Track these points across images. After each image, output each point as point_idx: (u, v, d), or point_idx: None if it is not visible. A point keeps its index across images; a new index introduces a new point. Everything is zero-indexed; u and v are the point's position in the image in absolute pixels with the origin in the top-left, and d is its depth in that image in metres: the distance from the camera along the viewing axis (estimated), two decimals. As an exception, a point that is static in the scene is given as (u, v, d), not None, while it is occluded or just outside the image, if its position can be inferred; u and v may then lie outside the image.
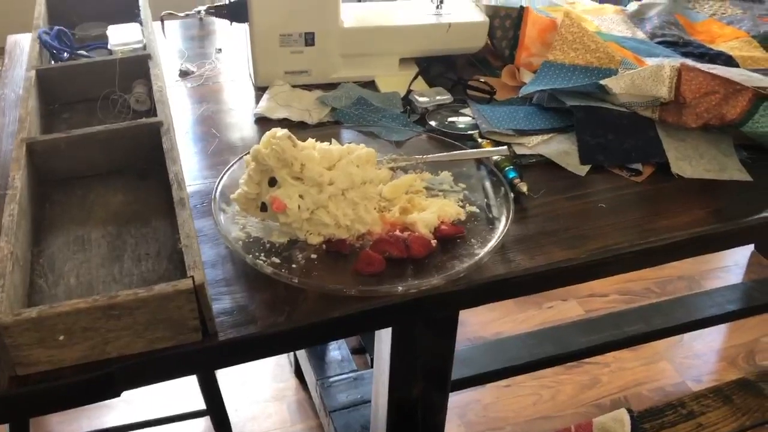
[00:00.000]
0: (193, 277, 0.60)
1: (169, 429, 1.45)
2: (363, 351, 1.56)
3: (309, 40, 1.03)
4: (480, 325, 1.78)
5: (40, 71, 0.96)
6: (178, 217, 0.68)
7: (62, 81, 0.98)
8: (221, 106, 1.03)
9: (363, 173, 0.72)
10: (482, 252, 0.70)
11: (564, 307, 1.84)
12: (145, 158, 0.85)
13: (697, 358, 1.72)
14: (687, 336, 1.75)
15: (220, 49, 1.19)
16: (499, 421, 1.55)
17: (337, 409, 1.32)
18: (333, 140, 0.77)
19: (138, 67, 0.99)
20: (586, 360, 1.65)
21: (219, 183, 0.78)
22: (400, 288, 0.66)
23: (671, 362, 1.70)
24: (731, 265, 2.03)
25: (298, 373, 1.60)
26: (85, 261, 0.71)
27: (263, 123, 0.98)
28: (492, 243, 0.72)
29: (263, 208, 0.71)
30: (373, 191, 0.73)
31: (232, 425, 1.30)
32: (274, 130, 0.71)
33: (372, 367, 1.45)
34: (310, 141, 0.74)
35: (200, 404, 1.28)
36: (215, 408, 1.26)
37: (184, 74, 1.11)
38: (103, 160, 0.84)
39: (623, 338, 1.50)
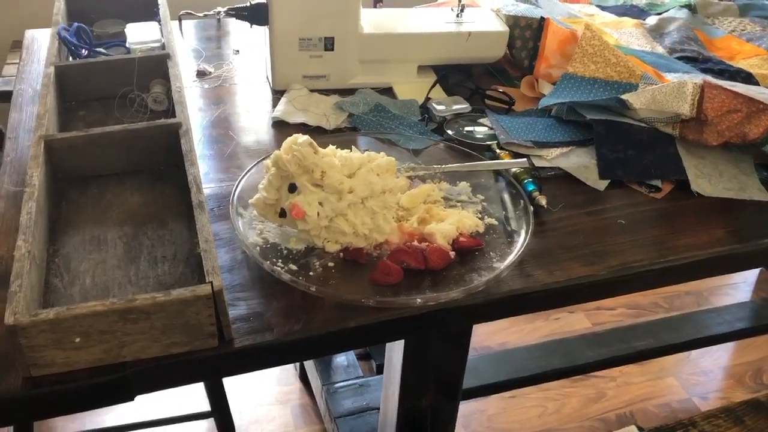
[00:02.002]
0: (212, 282, 0.60)
1: (172, 429, 1.45)
2: (368, 357, 1.56)
3: (328, 44, 1.03)
4: (486, 335, 1.77)
5: (59, 68, 0.95)
6: (197, 221, 0.67)
7: (80, 78, 0.97)
8: (238, 109, 1.03)
9: (383, 182, 0.72)
10: (501, 266, 0.70)
11: (571, 319, 1.83)
12: (163, 159, 0.84)
13: (703, 375, 1.71)
14: (694, 352, 1.74)
15: (237, 51, 1.19)
16: (504, 432, 1.54)
17: (343, 415, 1.31)
18: (353, 148, 0.77)
19: (156, 66, 0.99)
20: (593, 373, 1.65)
21: (237, 187, 0.77)
22: (418, 300, 0.65)
23: (678, 378, 1.69)
24: (740, 282, 2.02)
25: (303, 377, 1.60)
26: (101, 261, 0.71)
27: (280, 127, 0.98)
28: (511, 257, 0.71)
29: (282, 214, 0.71)
30: (392, 200, 0.73)
31: (235, 428, 1.29)
32: (295, 136, 0.71)
33: (378, 373, 1.45)
34: (331, 148, 0.73)
35: (205, 405, 1.28)
36: (220, 410, 1.25)
37: (201, 75, 1.11)
38: (120, 159, 0.83)
39: (631, 353, 1.49)
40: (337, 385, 1.38)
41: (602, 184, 0.88)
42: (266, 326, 0.65)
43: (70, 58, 1.05)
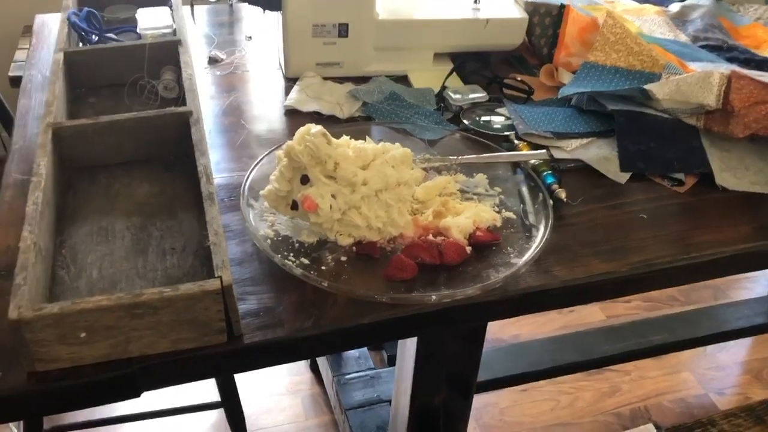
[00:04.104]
0: (221, 277, 0.58)
1: (181, 420, 1.44)
2: (380, 348, 1.54)
3: (342, 31, 1.01)
4: (499, 326, 1.75)
5: (68, 54, 0.93)
6: (206, 213, 0.65)
7: (90, 64, 0.96)
8: (250, 96, 1.01)
9: (398, 174, 0.70)
10: (519, 262, 0.68)
11: (585, 312, 1.81)
12: (173, 148, 0.82)
13: (720, 370, 1.68)
14: (710, 347, 1.72)
15: (250, 37, 1.17)
16: (516, 425, 1.52)
17: (353, 407, 1.30)
18: (367, 138, 0.75)
19: (167, 52, 0.97)
20: (607, 367, 1.62)
21: (248, 178, 0.75)
22: (433, 297, 0.63)
23: (694, 373, 1.67)
24: (758, 275, 1.98)
25: (314, 367, 1.59)
26: (108, 253, 0.69)
27: (293, 115, 0.96)
28: (530, 253, 0.69)
29: (294, 206, 0.69)
30: (408, 193, 0.71)
31: (245, 417, 1.28)
32: (308, 126, 0.69)
33: (389, 365, 1.44)
34: (345, 139, 0.71)
35: (215, 396, 1.27)
36: (230, 401, 1.24)
37: (212, 61, 1.09)
38: (129, 148, 0.82)
39: (647, 347, 1.47)
40: (348, 376, 1.37)
41: (623, 177, 0.85)
42: (277, 322, 0.63)
43: (80, 44, 1.03)
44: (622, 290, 0.73)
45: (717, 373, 1.67)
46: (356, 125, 0.92)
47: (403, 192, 0.69)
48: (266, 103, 0.99)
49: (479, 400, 1.55)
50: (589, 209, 0.80)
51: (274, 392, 1.56)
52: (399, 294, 0.64)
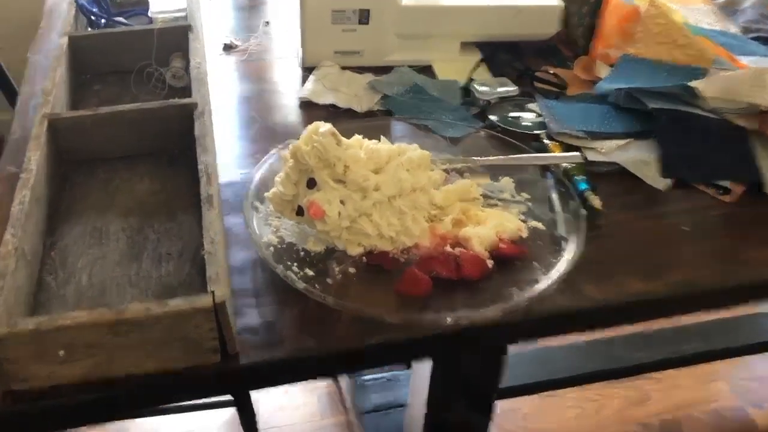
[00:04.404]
0: (213, 293, 0.52)
1: (193, 417, 1.41)
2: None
3: (363, 17, 0.94)
4: (524, 327, 1.68)
5: (73, 38, 0.89)
6: (204, 217, 0.60)
7: (96, 50, 0.91)
8: (266, 86, 0.95)
9: (414, 179, 0.63)
10: (547, 279, 0.61)
11: (615, 315, 1.72)
12: (177, 142, 0.77)
13: (758, 381, 1.59)
14: (749, 356, 1.63)
15: (267, 22, 1.11)
16: (538, 432, 1.46)
17: (370, 410, 1.25)
18: (382, 137, 0.68)
19: (178, 38, 0.91)
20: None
21: (254, 178, 0.69)
22: (448, 319, 0.57)
23: (729, 383, 1.58)
24: (801, 281, 1.87)
25: (331, 364, 1.54)
26: (101, 257, 0.64)
27: (308, 108, 0.90)
28: (558, 269, 0.62)
29: (299, 211, 0.63)
30: (424, 200, 0.64)
31: (259, 414, 1.24)
32: (316, 124, 0.63)
33: (408, 366, 1.38)
34: (357, 138, 0.65)
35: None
36: (241, 398, 1.20)
37: (228, 48, 1.03)
38: (130, 141, 0.77)
39: (679, 357, 1.39)
40: (365, 377, 1.31)
41: (664, 184, 0.77)
42: (276, 340, 0.58)
43: (89, 29, 0.98)
44: (661, 312, 0.66)
45: (754, 384, 1.58)
46: (374, 120, 0.86)
47: (419, 198, 0.63)
48: (282, 95, 0.93)
49: (501, 405, 1.49)
50: (625, 219, 0.73)
51: (288, 388, 1.52)
52: (411, 315, 0.58)
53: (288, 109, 0.91)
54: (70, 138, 0.74)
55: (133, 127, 0.76)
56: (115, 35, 0.91)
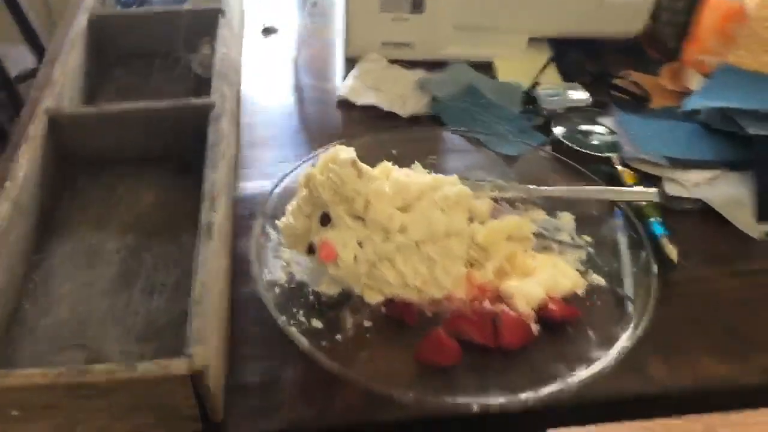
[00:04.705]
0: (191, 357, 0.44)
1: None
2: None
3: (417, 4, 0.82)
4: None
5: (95, 18, 0.81)
6: (199, 252, 0.51)
7: (120, 31, 0.83)
8: (304, 79, 0.85)
9: (449, 221, 0.52)
10: (605, 359, 0.49)
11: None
12: (191, 147, 0.68)
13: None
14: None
15: (315, 3, 1.00)
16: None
17: None
18: (416, 164, 0.58)
19: (210, 21, 0.82)
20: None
21: (269, 198, 0.60)
22: (474, 407, 0.47)
23: (808, 422, 1.42)
24: None
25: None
26: (88, 283, 0.57)
27: (346, 108, 0.80)
28: (620, 344, 0.50)
29: (311, 249, 0.54)
30: (460, 248, 0.53)
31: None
32: (336, 149, 0.52)
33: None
34: (385, 166, 0.55)
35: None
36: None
37: (267, 32, 0.94)
38: (140, 143, 0.68)
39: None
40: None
41: (760, 231, 0.64)
42: (273, 405, 0.49)
43: (118, 8, 0.90)
44: (745, 403, 0.54)
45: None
46: (417, 130, 0.75)
47: (452, 246, 0.52)
48: (320, 90, 0.83)
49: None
50: (707, 275, 0.60)
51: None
52: (428, 394, 0.48)
53: (326, 108, 0.81)
54: (73, 137, 0.67)
55: (143, 129, 0.67)
56: (140, 16, 0.83)
